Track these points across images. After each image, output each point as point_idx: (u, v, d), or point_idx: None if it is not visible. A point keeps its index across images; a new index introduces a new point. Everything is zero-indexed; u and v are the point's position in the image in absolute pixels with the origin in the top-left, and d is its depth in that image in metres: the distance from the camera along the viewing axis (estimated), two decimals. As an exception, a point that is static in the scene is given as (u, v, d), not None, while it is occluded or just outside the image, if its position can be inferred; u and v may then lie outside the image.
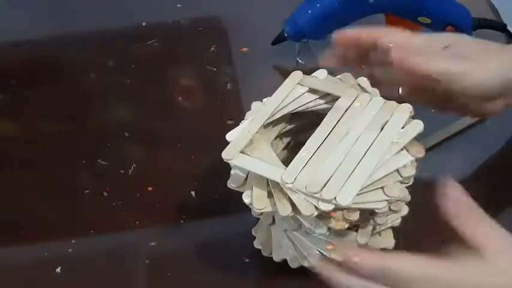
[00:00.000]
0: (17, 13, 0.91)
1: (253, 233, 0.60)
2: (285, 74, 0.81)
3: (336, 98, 0.55)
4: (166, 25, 0.88)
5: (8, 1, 0.93)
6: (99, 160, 0.72)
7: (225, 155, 0.52)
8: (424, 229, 0.58)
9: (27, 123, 0.77)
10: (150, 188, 0.69)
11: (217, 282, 0.61)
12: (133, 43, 0.85)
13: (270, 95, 0.58)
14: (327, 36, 0.80)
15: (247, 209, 0.67)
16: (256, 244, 0.59)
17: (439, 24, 0.81)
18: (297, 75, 0.58)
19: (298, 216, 0.50)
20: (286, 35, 0.81)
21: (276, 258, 0.58)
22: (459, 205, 0.40)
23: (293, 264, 0.58)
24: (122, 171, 0.70)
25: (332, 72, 0.59)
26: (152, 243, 0.64)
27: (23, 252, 0.65)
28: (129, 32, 0.88)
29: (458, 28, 0.80)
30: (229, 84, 0.79)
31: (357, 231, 0.54)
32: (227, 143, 0.55)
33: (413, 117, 0.52)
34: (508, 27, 0.84)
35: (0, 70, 0.84)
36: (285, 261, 0.58)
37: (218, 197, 0.67)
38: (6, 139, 0.76)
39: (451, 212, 0.40)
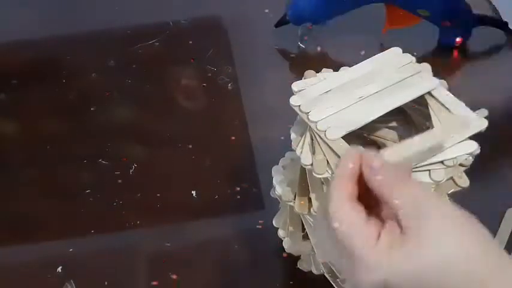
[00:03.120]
0: (18, 14, 0.92)
1: (274, 224, 0.60)
2: (286, 75, 0.82)
3: None
4: (167, 25, 0.88)
5: (9, 2, 0.94)
6: (99, 160, 0.72)
7: None
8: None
9: (27, 123, 0.77)
10: (150, 188, 0.69)
11: (217, 282, 0.61)
12: (133, 43, 0.85)
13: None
14: (327, 21, 0.82)
15: (247, 209, 0.67)
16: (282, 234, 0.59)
17: (437, 18, 0.81)
18: None
19: None
20: (288, 18, 0.83)
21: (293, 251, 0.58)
22: (383, 174, 0.37)
23: (300, 264, 0.58)
24: (123, 171, 0.70)
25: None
26: (152, 243, 0.64)
27: (24, 252, 0.65)
28: (129, 32, 0.88)
29: (457, 23, 0.80)
30: (229, 84, 0.79)
31: None
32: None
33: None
34: (509, 25, 0.84)
35: (1, 70, 0.84)
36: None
37: (218, 197, 0.68)
38: (6, 139, 0.76)
39: (377, 182, 0.37)
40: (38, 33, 0.88)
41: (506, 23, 0.84)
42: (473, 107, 0.50)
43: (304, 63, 0.83)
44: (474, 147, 0.48)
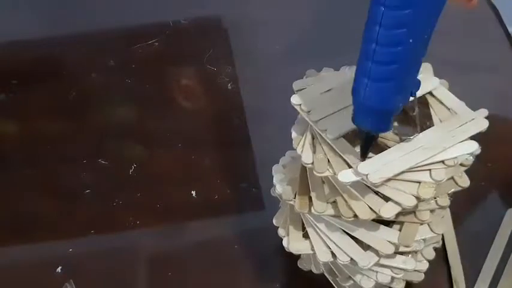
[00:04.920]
0: (18, 13, 0.92)
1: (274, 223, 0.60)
2: (286, 75, 0.82)
3: None
4: (167, 25, 0.88)
5: (8, 1, 0.94)
6: (99, 160, 0.72)
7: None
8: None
9: (27, 123, 0.77)
10: (150, 188, 0.69)
11: (217, 282, 0.61)
12: (133, 43, 0.85)
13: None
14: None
15: (247, 209, 0.67)
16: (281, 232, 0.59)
17: None
18: None
19: None
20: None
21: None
22: None
23: (300, 263, 0.58)
24: (122, 171, 0.70)
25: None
26: (152, 243, 0.64)
27: (24, 252, 0.65)
28: (129, 32, 0.88)
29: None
30: (229, 84, 0.79)
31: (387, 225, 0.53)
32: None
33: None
34: (508, 27, 0.84)
35: (1, 70, 0.84)
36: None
37: (218, 197, 0.68)
38: (6, 139, 0.76)
39: None
40: (38, 33, 0.88)
41: None
42: (474, 107, 0.51)
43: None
44: (475, 147, 0.48)
